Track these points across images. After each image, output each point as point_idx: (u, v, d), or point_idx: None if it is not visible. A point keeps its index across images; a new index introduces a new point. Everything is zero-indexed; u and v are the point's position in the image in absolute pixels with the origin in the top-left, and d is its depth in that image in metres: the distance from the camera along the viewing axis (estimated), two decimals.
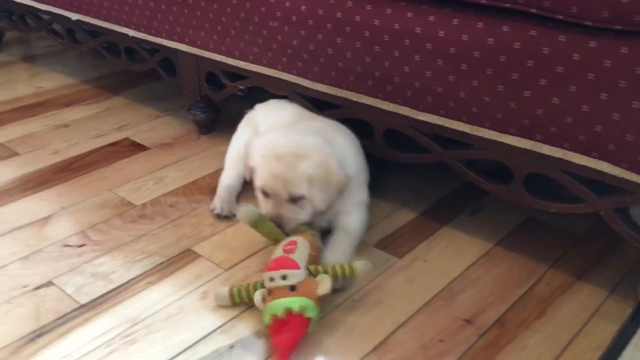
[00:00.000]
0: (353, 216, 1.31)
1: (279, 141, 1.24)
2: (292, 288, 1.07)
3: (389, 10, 1.24)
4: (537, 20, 1.06)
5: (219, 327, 1.13)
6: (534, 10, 1.05)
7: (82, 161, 1.71)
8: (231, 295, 1.16)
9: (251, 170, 1.28)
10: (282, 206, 1.22)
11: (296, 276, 1.08)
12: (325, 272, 1.12)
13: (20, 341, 1.10)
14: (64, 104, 2.10)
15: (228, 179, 1.52)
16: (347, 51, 1.33)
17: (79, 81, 2.29)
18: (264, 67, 1.55)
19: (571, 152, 1.11)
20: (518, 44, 1.08)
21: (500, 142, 1.19)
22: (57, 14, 2.11)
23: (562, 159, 1.13)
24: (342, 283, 1.18)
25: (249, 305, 1.16)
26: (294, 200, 1.21)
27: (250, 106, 1.61)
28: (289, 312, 1.04)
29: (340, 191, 1.25)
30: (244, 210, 1.21)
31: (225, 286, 1.18)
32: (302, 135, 1.27)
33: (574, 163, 1.11)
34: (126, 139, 1.85)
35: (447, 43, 1.16)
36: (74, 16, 2.04)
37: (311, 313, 1.05)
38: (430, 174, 1.61)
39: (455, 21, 1.15)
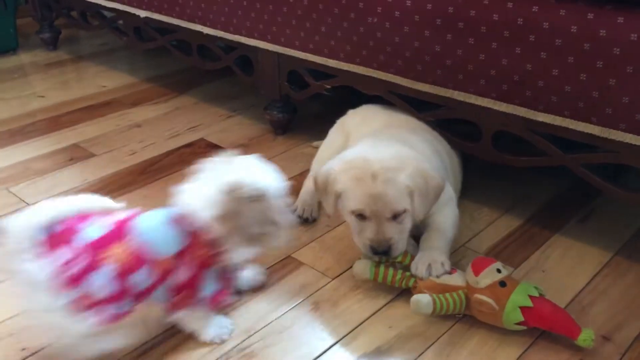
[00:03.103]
0: (443, 213, 1.23)
1: (367, 158, 1.15)
2: (503, 284, 1.05)
3: (510, 4, 1.17)
4: None
5: (340, 340, 1.06)
6: None
7: (161, 162, 1.66)
8: (375, 274, 1.14)
9: (337, 196, 1.18)
10: (385, 226, 1.13)
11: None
12: None
13: (133, 353, 1.04)
14: (131, 103, 2.05)
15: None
16: (457, 48, 1.26)
17: (141, 80, 2.25)
18: (356, 66, 1.48)
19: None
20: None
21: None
22: (123, 11, 2.06)
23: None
24: None
25: (372, 313, 1.11)
26: (396, 216, 1.14)
27: (328, 106, 1.54)
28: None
29: (438, 195, 1.18)
30: (358, 266, 1.16)
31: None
32: (386, 146, 1.19)
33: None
34: (202, 139, 1.79)
35: (581, 39, 1.09)
36: (142, 13, 1.99)
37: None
38: (528, 178, 1.53)
39: (590, 15, 1.08)
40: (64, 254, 0.91)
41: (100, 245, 0.94)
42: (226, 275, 1.05)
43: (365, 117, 1.47)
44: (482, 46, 1.22)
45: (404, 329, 1.09)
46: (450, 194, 1.29)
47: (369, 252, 1.14)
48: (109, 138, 1.81)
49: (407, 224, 1.16)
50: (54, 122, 1.91)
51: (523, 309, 1.02)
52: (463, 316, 1.10)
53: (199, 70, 2.01)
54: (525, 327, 1.04)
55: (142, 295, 0.97)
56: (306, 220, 1.39)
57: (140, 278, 0.95)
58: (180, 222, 0.99)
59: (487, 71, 1.24)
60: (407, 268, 1.15)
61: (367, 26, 1.40)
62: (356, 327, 1.09)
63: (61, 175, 1.60)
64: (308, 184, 1.45)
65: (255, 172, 1.01)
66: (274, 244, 1.03)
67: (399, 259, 1.15)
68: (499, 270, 1.07)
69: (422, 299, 1.05)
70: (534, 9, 1.14)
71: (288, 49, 1.62)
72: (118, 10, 2.08)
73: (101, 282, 0.92)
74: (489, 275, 1.06)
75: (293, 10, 1.54)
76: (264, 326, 1.10)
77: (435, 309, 1.05)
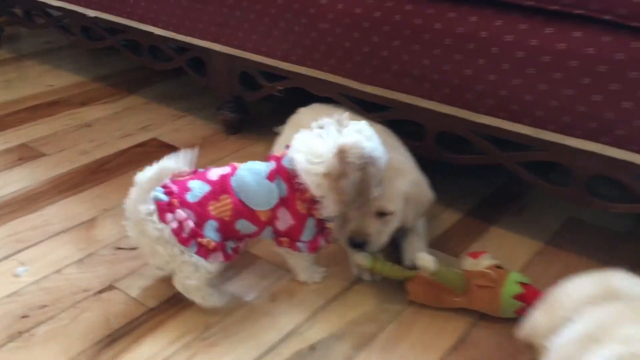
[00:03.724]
0: (421, 219, 1.32)
1: None
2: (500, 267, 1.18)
3: (451, 14, 1.26)
4: (611, 27, 1.10)
5: (296, 328, 1.13)
6: (608, 17, 1.09)
7: (113, 162, 1.68)
8: (374, 265, 1.20)
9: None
10: (367, 221, 1.19)
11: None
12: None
13: (97, 346, 1.07)
14: (79, 102, 2.04)
15: None
16: (403, 54, 1.35)
17: (90, 79, 2.24)
18: (308, 69, 1.54)
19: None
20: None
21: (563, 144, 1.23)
22: (71, 10, 2.06)
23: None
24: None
25: (326, 302, 1.19)
26: (382, 215, 1.20)
27: (280, 106, 1.60)
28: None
29: (427, 208, 1.27)
30: (359, 256, 1.21)
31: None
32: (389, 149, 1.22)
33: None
34: (154, 139, 1.82)
35: (514, 47, 1.19)
36: (91, 13, 1.99)
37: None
38: (469, 174, 1.64)
39: (523, 26, 1.18)
40: (181, 213, 1.06)
41: (207, 201, 1.09)
42: (323, 224, 1.17)
43: (318, 114, 1.53)
44: (426, 52, 1.31)
45: (357, 315, 1.16)
46: None
47: (347, 244, 1.21)
48: (58, 138, 1.80)
49: (391, 226, 1.22)
50: None
51: (522, 284, 1.14)
52: (409, 303, 1.18)
53: (149, 69, 2.03)
54: (518, 306, 1.13)
55: (250, 236, 1.15)
56: None
57: (244, 225, 1.12)
58: (282, 174, 1.12)
59: (430, 76, 1.33)
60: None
61: (319, 31, 1.47)
62: (312, 315, 1.16)
63: (11, 175, 1.59)
64: None
65: (367, 140, 1.08)
66: (362, 210, 1.16)
67: (392, 272, 1.21)
68: (493, 258, 1.20)
69: (429, 257, 1.14)
70: (472, 19, 1.24)
71: (241, 52, 1.67)
72: (65, 9, 2.07)
73: (211, 234, 1.08)
74: (488, 259, 1.19)
75: (246, 14, 1.59)
76: (225, 316, 1.15)
77: (438, 269, 1.14)
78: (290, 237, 1.15)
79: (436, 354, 1.08)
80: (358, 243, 1.19)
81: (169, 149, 1.75)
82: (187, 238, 1.07)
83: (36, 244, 1.33)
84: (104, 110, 2.00)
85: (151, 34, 1.86)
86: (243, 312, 1.16)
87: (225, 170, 1.14)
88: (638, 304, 0.83)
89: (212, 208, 1.09)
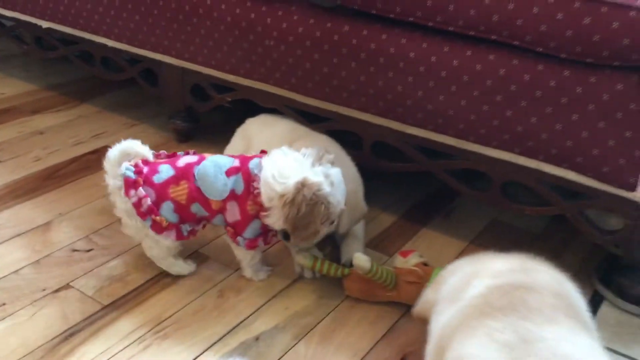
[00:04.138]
0: (357, 225, 1.45)
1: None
2: (426, 264, 1.33)
3: (384, 36, 1.40)
4: (519, 51, 1.26)
5: (242, 322, 1.23)
6: (517, 43, 1.24)
7: (67, 169, 1.74)
8: (314, 264, 1.31)
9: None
10: None
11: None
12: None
13: (55, 340, 1.15)
14: (31, 111, 2.09)
15: None
16: (342, 70, 1.47)
17: (41, 88, 2.28)
18: (255, 82, 1.66)
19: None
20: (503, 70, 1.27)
21: (483, 154, 1.38)
22: (24, 22, 2.10)
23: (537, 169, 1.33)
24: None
25: (270, 297, 1.30)
26: None
27: (229, 116, 1.70)
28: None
29: (360, 218, 1.39)
30: (300, 256, 1.32)
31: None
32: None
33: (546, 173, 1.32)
34: (106, 147, 1.85)
35: (438, 67, 1.34)
36: (44, 24, 2.05)
37: None
38: (403, 181, 1.78)
39: (446, 48, 1.33)
40: (141, 191, 1.23)
41: (168, 184, 1.25)
42: (267, 228, 1.28)
43: (265, 124, 1.64)
44: (362, 69, 1.44)
45: (298, 308, 1.28)
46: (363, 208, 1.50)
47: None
48: (11, 144, 1.85)
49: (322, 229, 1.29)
50: None
51: None
52: (345, 298, 1.31)
53: (100, 79, 2.09)
54: None
55: (203, 219, 1.30)
56: None
57: (198, 209, 1.26)
58: (243, 173, 1.26)
59: (366, 90, 1.46)
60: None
61: (265, 47, 1.58)
62: (257, 309, 1.27)
63: None
64: None
65: (329, 185, 1.19)
66: (303, 244, 1.28)
67: (330, 270, 1.32)
68: (420, 256, 1.33)
69: (364, 257, 1.26)
70: (402, 41, 1.37)
71: (192, 64, 1.77)
72: (19, 20, 2.12)
73: (167, 214, 1.25)
74: (415, 257, 1.32)
75: (197, 30, 1.69)
76: (176, 311, 1.24)
77: (372, 268, 1.25)
78: (234, 230, 1.28)
79: (369, 341, 1.21)
80: (287, 235, 1.26)
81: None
82: (144, 213, 1.24)
83: None
84: (56, 118, 2.05)
85: (104, 45, 1.93)
86: (193, 306, 1.26)
87: (193, 159, 1.29)
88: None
89: (172, 191, 1.25)
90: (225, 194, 1.25)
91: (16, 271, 1.32)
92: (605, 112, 1.20)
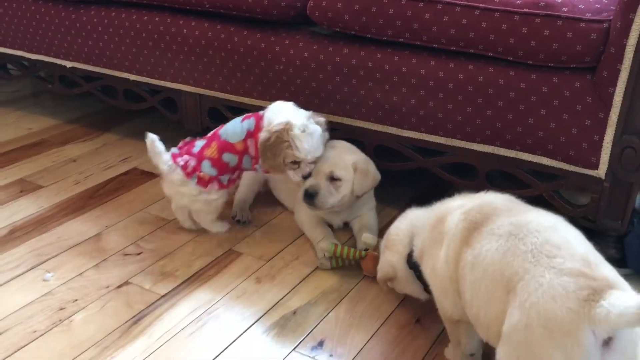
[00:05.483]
0: (369, 215, 1.71)
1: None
2: None
3: (379, 55, 1.66)
4: (494, 61, 1.52)
5: (280, 301, 1.46)
6: (491, 54, 1.51)
7: (104, 189, 1.96)
8: (335, 249, 1.54)
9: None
10: (320, 181, 1.57)
11: None
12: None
13: (126, 324, 1.37)
14: (60, 142, 2.31)
15: (243, 194, 1.84)
16: (344, 87, 1.73)
17: (64, 122, 2.50)
18: (267, 102, 1.89)
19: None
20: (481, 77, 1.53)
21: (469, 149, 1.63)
22: (48, 62, 2.33)
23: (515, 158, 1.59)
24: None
25: (300, 280, 1.53)
26: (333, 179, 1.57)
27: None
28: None
29: (373, 185, 1.64)
30: (323, 243, 1.59)
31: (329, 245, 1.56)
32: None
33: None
34: (135, 168, 2.11)
35: (427, 78, 1.60)
36: (68, 64, 2.28)
37: None
38: (402, 178, 2.03)
39: (432, 62, 1.59)
40: (186, 157, 1.63)
41: (203, 149, 1.64)
42: None
43: None
44: (361, 85, 1.70)
45: (326, 288, 1.51)
46: (374, 203, 1.75)
47: (302, 197, 1.56)
48: (50, 172, 2.07)
49: (341, 191, 1.58)
50: None
51: None
52: (363, 278, 1.54)
53: (116, 110, 2.32)
54: None
55: (236, 168, 1.65)
56: (239, 222, 1.77)
57: (229, 157, 1.63)
58: (256, 117, 1.64)
59: (366, 102, 1.71)
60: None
61: (275, 72, 1.83)
62: (291, 290, 1.50)
63: (17, 204, 1.85)
64: (240, 195, 1.83)
65: (301, 131, 1.54)
66: (273, 172, 1.64)
67: (349, 254, 1.55)
68: None
69: (371, 235, 1.52)
70: (395, 59, 1.63)
71: (209, 91, 2.01)
72: (43, 61, 2.35)
73: (207, 169, 1.61)
74: None
75: (212, 60, 1.94)
76: (223, 296, 1.47)
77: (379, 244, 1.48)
78: (256, 160, 1.64)
79: (387, 309, 1.44)
80: (310, 193, 1.56)
81: (150, 175, 2.05)
82: (190, 173, 1.60)
83: (55, 256, 1.61)
84: (84, 147, 2.27)
85: (127, 79, 2.17)
86: (236, 292, 1.49)
87: (219, 128, 1.69)
88: None
89: (206, 152, 1.63)
90: (244, 135, 1.62)
91: (80, 274, 1.54)
92: (567, 105, 1.46)
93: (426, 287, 1.29)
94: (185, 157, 1.61)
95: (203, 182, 1.60)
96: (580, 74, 1.44)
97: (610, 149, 1.44)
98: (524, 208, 1.15)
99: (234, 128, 1.64)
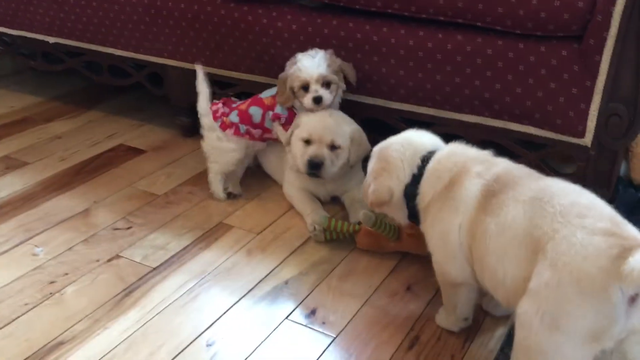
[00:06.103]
0: (358, 189, 1.69)
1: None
2: None
3: (367, 27, 1.65)
4: (482, 30, 1.52)
5: (271, 272, 1.47)
6: (479, 24, 1.51)
7: (91, 165, 1.95)
8: (329, 223, 1.54)
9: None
10: (322, 149, 1.60)
11: None
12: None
13: (118, 296, 1.37)
14: (44, 119, 2.28)
15: (233, 167, 1.83)
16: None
17: (47, 99, 2.47)
18: (255, 76, 1.89)
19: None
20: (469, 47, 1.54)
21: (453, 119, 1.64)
22: (31, 39, 2.29)
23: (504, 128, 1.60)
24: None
25: (291, 252, 1.53)
26: (333, 148, 1.60)
27: None
28: None
29: (365, 153, 1.65)
30: (316, 216, 1.59)
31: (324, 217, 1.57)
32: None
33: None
34: (121, 145, 2.10)
35: (416, 49, 1.60)
36: (51, 40, 2.24)
37: None
38: None
39: (421, 33, 1.59)
40: (220, 105, 1.77)
41: (238, 105, 1.76)
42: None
43: None
44: (349, 57, 1.69)
45: (316, 259, 1.52)
46: (362, 176, 1.74)
47: (306, 168, 1.59)
48: (35, 149, 2.05)
49: (340, 159, 1.62)
50: None
51: None
52: (353, 249, 1.55)
53: (101, 87, 2.29)
54: None
55: (258, 125, 1.74)
56: (230, 195, 1.78)
57: (254, 110, 1.73)
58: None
59: (357, 75, 1.71)
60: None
61: (262, 45, 1.82)
62: (282, 261, 1.50)
63: (3, 181, 1.84)
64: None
65: (311, 71, 1.64)
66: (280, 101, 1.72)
67: (343, 227, 1.55)
68: None
69: (368, 212, 1.47)
70: (383, 30, 1.63)
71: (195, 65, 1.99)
72: (26, 37, 2.30)
73: (233, 117, 1.74)
74: None
75: (199, 35, 1.92)
76: (215, 268, 1.47)
77: (376, 221, 1.47)
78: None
79: (378, 278, 1.46)
80: (316, 163, 1.58)
81: (137, 152, 2.04)
82: (218, 117, 1.75)
83: (44, 231, 1.60)
84: (69, 124, 2.25)
85: (111, 54, 2.14)
86: (228, 264, 1.49)
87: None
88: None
89: (240, 105, 1.76)
90: (273, 92, 1.73)
91: (70, 248, 1.53)
92: (554, 74, 1.47)
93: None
94: (219, 105, 1.76)
95: (223, 125, 1.74)
96: (567, 42, 1.45)
97: (596, 117, 1.46)
98: (539, 175, 1.17)
99: (271, 89, 1.77)
